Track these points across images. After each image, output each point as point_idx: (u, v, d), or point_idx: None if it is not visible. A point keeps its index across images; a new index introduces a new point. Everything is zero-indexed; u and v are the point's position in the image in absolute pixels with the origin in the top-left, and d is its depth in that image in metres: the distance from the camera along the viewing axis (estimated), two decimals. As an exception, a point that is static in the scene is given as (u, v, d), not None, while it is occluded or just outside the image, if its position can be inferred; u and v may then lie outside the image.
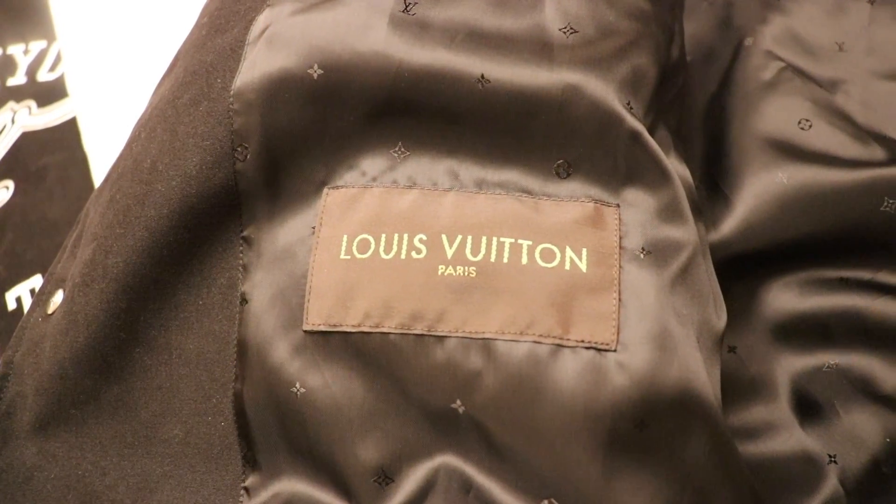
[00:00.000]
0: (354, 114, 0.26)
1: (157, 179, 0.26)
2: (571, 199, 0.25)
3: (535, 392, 0.23)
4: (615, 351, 0.23)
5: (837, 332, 0.28)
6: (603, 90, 0.25)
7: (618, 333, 0.23)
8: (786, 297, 0.29)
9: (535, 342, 0.23)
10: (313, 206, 0.26)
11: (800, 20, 0.34)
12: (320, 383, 0.25)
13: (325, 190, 0.26)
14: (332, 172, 0.26)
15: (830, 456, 0.27)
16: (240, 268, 0.26)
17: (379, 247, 0.25)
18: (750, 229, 0.28)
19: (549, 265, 0.24)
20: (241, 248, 0.27)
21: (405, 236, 0.25)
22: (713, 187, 0.30)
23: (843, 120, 0.31)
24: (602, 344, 0.23)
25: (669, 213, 0.25)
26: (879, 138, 0.31)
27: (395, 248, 0.25)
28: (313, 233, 0.26)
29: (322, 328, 0.25)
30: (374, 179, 0.26)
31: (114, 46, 0.44)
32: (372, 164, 0.26)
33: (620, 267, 0.24)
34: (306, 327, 0.25)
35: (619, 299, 0.24)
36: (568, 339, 0.23)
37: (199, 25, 0.31)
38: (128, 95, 0.41)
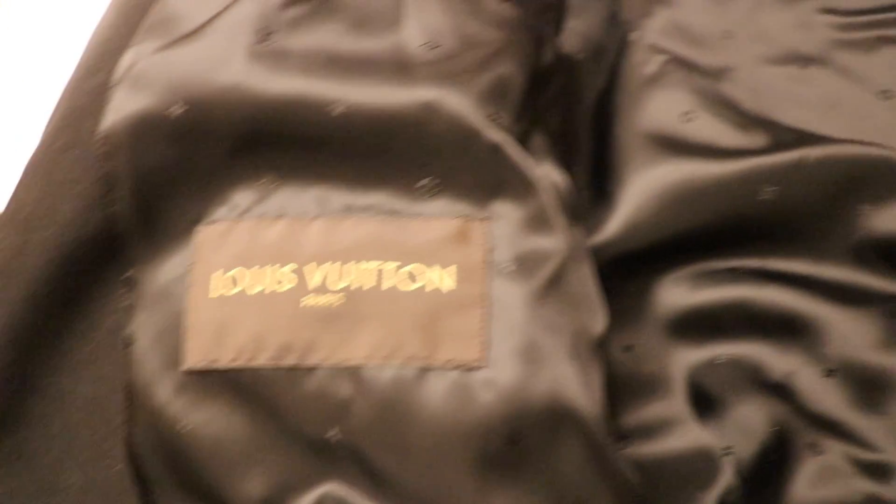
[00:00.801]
0: (221, 148, 0.26)
1: (34, 229, 0.27)
2: (438, 217, 0.25)
3: (404, 416, 0.23)
4: (483, 368, 0.23)
5: (728, 324, 0.28)
6: (461, 104, 0.25)
7: (485, 350, 0.23)
8: (677, 292, 0.29)
9: (401, 366, 0.23)
10: (189, 244, 0.26)
11: (686, 11, 0.34)
12: (203, 421, 0.25)
13: (198, 226, 0.26)
14: (204, 208, 0.26)
15: (726, 448, 0.27)
16: (124, 310, 0.27)
17: (249, 281, 0.25)
18: (634, 228, 0.28)
19: (415, 286, 0.24)
20: (124, 290, 0.27)
21: (274, 268, 0.25)
22: (599, 187, 0.30)
23: (729, 108, 0.31)
24: (469, 362, 0.23)
25: (537, 222, 0.25)
26: (765, 123, 0.31)
27: (264, 281, 0.25)
28: (189, 271, 0.26)
29: (200, 366, 0.25)
30: (245, 212, 0.26)
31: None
32: (242, 197, 0.26)
33: (488, 282, 0.24)
34: (185, 366, 0.25)
35: (487, 315, 0.24)
36: (435, 360, 0.23)
37: (76, 68, 0.31)
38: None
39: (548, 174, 0.26)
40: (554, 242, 0.25)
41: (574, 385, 0.23)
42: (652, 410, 0.28)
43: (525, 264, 0.25)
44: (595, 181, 0.30)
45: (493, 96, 0.26)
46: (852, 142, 0.29)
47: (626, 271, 0.29)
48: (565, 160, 0.30)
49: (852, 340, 0.27)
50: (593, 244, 0.28)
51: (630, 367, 0.29)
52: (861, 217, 0.28)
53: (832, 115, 0.32)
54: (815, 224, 0.29)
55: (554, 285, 0.24)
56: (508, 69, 0.26)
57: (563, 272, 0.25)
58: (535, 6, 0.29)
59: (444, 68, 0.26)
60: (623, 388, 0.28)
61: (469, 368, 0.23)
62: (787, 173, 0.28)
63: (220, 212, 0.26)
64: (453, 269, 0.24)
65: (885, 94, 0.32)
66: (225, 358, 0.25)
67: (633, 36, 0.33)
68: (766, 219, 0.28)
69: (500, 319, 0.24)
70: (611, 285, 0.29)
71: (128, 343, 0.26)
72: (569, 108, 0.32)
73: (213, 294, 0.25)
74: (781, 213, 0.28)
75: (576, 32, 0.34)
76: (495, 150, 0.25)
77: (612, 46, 0.33)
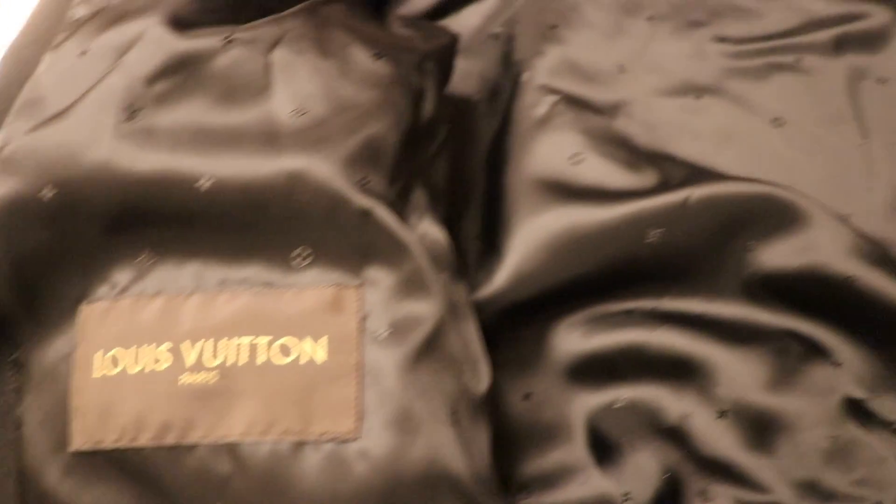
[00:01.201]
0: (96, 228, 0.26)
1: None
2: (312, 287, 0.25)
3: (281, 491, 0.23)
4: (357, 440, 0.23)
5: (625, 368, 0.28)
6: (328, 172, 0.25)
7: (360, 421, 0.23)
8: (573, 338, 0.29)
9: (277, 441, 0.23)
10: (74, 323, 0.26)
11: (578, 47, 0.34)
12: (92, 502, 0.25)
13: (81, 305, 0.26)
14: (86, 287, 0.26)
15: (625, 495, 0.27)
16: (13, 392, 0.27)
17: (129, 361, 0.25)
18: (521, 279, 0.28)
19: (289, 359, 0.24)
20: (11, 372, 0.27)
21: (152, 347, 0.25)
22: (490, 236, 0.30)
23: (620, 146, 0.31)
24: (343, 434, 0.23)
25: (412, 286, 0.25)
26: (657, 159, 0.31)
27: (143, 360, 0.25)
28: (73, 351, 0.26)
29: (86, 447, 0.25)
30: (124, 291, 0.26)
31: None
32: (122, 275, 0.26)
33: (361, 351, 0.24)
34: (72, 448, 0.25)
35: (361, 385, 0.24)
36: (309, 434, 0.23)
37: None
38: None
39: (426, 233, 0.26)
40: (428, 305, 0.25)
41: (451, 450, 0.23)
42: (552, 458, 0.28)
43: (399, 330, 0.24)
44: (486, 230, 0.30)
45: (363, 159, 0.25)
46: (738, 179, 0.29)
47: (521, 319, 0.29)
48: (456, 209, 0.30)
49: (742, 381, 0.27)
50: (482, 296, 0.28)
51: (529, 415, 0.29)
52: (749, 254, 0.28)
53: (727, 146, 0.32)
54: (705, 263, 0.29)
55: (429, 349, 0.24)
56: (380, 130, 0.26)
57: (439, 334, 0.24)
58: (413, 58, 0.29)
59: (311, 135, 0.25)
60: (523, 436, 0.28)
61: (343, 440, 0.23)
62: (671, 215, 0.28)
63: (102, 290, 0.26)
64: (325, 339, 0.24)
65: (777, 122, 0.32)
66: (109, 439, 0.24)
67: (525, 77, 0.33)
68: (656, 260, 0.28)
69: (375, 388, 0.24)
70: (506, 334, 0.29)
71: (17, 426, 0.26)
72: (462, 153, 0.32)
73: (96, 374, 0.25)
74: (669, 255, 0.28)
75: (471, 73, 0.34)
76: (365, 215, 0.25)
77: (506, 88, 0.33)
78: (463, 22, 0.37)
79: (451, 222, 0.30)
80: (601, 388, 0.29)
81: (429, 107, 0.29)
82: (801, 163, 0.31)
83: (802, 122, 0.32)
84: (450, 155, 0.30)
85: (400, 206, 0.26)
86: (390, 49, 0.28)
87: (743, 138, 0.32)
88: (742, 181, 0.29)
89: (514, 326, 0.29)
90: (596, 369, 0.29)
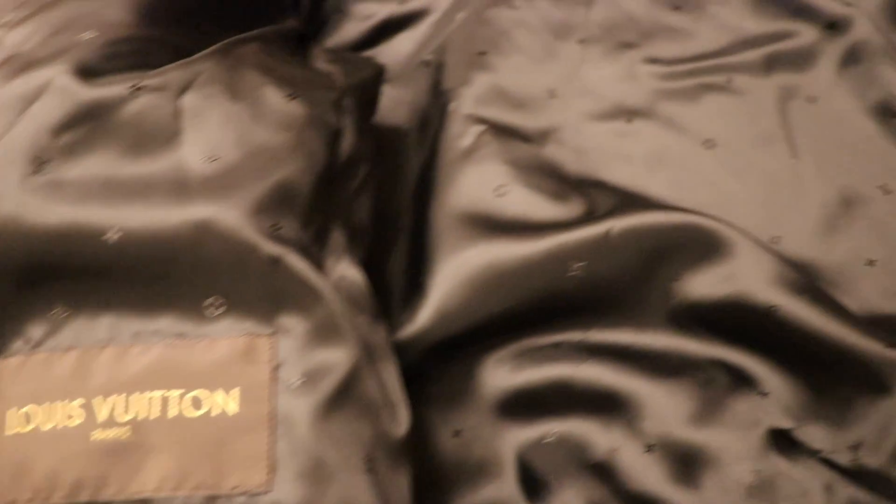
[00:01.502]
0: (7, 282, 0.26)
1: None
2: (225, 337, 0.25)
3: None
4: (269, 493, 0.23)
5: (553, 402, 0.28)
6: (236, 219, 0.24)
7: (272, 473, 0.23)
8: (501, 373, 0.29)
9: (188, 496, 0.23)
10: None
11: (507, 73, 0.33)
12: None
13: None
14: (3, 342, 0.26)
15: (553, 530, 0.27)
16: None
17: (42, 417, 0.24)
18: (445, 316, 0.28)
19: (201, 412, 0.24)
20: None
21: (64, 403, 0.24)
22: (415, 273, 0.29)
23: (548, 175, 0.31)
24: (254, 487, 0.23)
25: (325, 332, 0.24)
26: (585, 187, 0.30)
27: (56, 417, 0.24)
28: None
29: None
30: (38, 345, 0.26)
31: None
32: (36, 329, 0.26)
33: (274, 401, 0.24)
34: None
35: (273, 436, 0.24)
36: (222, 488, 0.23)
37: None
38: None
39: (343, 275, 0.26)
40: (342, 351, 0.24)
41: (366, 498, 0.23)
42: (484, 495, 0.28)
43: (312, 378, 0.24)
44: (411, 266, 0.30)
45: (274, 205, 0.25)
46: (662, 208, 0.29)
47: (448, 355, 0.29)
48: (383, 245, 0.29)
49: (669, 414, 0.27)
50: (407, 335, 0.28)
51: (460, 452, 0.28)
52: (675, 284, 0.28)
53: (659, 169, 0.32)
54: (630, 294, 0.28)
55: (343, 395, 0.24)
56: (292, 173, 0.26)
57: (353, 380, 0.24)
58: (331, 96, 0.29)
59: (221, 182, 0.25)
60: (454, 474, 0.28)
61: (255, 494, 0.23)
62: (593, 248, 0.28)
63: (17, 345, 0.26)
64: (237, 391, 0.24)
65: (709, 144, 0.32)
66: (23, 498, 0.24)
67: (452, 107, 0.32)
68: (581, 293, 0.28)
69: (287, 439, 0.23)
70: (434, 371, 0.29)
71: (-61, 484, 0.26)
72: (390, 187, 0.31)
73: (10, 432, 0.25)
74: (594, 287, 0.28)
75: (402, 102, 0.34)
76: (275, 263, 0.24)
77: (435, 118, 0.33)
78: (396, 49, 0.37)
79: (377, 258, 0.29)
80: (531, 423, 0.28)
81: (347, 145, 0.28)
82: (732, 185, 0.31)
83: (734, 143, 0.32)
84: (376, 189, 0.30)
85: (315, 249, 0.26)
86: (305, 88, 0.28)
87: (675, 161, 0.32)
88: (665, 211, 0.28)
89: (442, 363, 0.29)
90: (525, 404, 0.28)
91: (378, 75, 0.32)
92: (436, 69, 0.34)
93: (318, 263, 0.25)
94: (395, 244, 0.30)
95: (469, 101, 0.32)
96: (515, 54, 0.34)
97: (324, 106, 0.28)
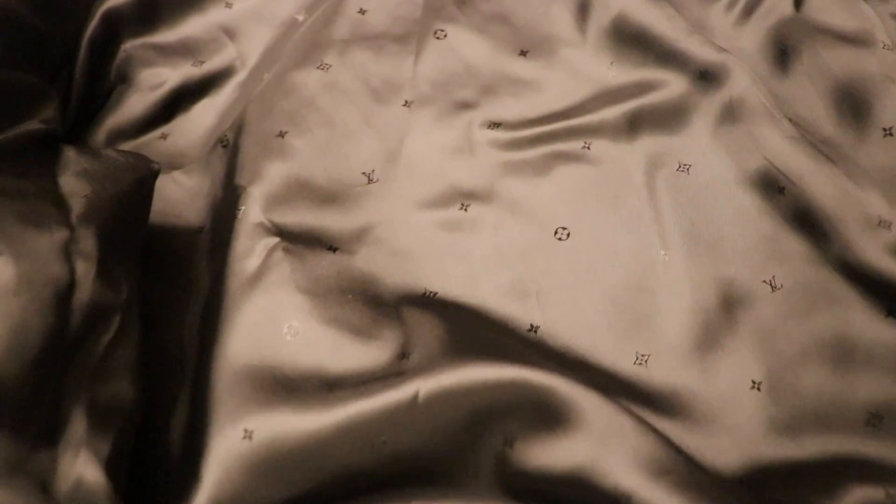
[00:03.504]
0: None
1: None
2: None
3: None
4: None
5: None
6: None
7: None
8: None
9: None
10: None
11: (310, 159, 0.27)
12: None
13: None
14: None
15: None
16: None
17: None
18: (220, 506, 0.22)
19: None
20: None
21: None
22: (192, 443, 0.23)
23: (358, 297, 0.25)
24: None
25: None
26: (405, 305, 0.24)
27: None
28: None
29: None
30: None
31: None
32: None
33: None
34: None
35: None
36: None
37: None
38: None
39: (80, 477, 0.20)
40: None
41: None
42: None
43: None
44: (190, 432, 0.24)
45: None
46: (484, 361, 0.22)
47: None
48: (165, 396, 0.24)
49: None
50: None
51: None
52: (509, 451, 0.22)
53: (499, 270, 0.25)
54: (455, 464, 0.22)
55: None
56: None
57: None
58: (58, 239, 0.22)
59: None
60: None
61: None
62: (400, 415, 0.21)
63: None
64: None
65: (561, 233, 0.26)
66: None
67: (241, 212, 0.26)
68: (393, 467, 0.22)
69: None
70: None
71: None
72: (181, 310, 0.26)
73: None
74: (408, 459, 0.22)
75: (199, 194, 0.28)
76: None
77: (228, 222, 0.26)
78: (195, 122, 0.30)
79: (158, 413, 0.24)
80: None
81: (84, 297, 0.22)
82: (589, 288, 0.25)
83: (592, 230, 0.25)
84: (149, 329, 0.24)
85: (38, 461, 0.20)
86: (15, 238, 0.22)
87: (519, 258, 0.25)
88: (490, 363, 0.22)
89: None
90: None
91: (148, 178, 0.25)
92: (232, 153, 0.27)
93: (44, 480, 0.20)
94: (178, 397, 0.24)
95: (259, 203, 0.26)
96: (323, 129, 0.27)
97: (43, 258, 0.22)
